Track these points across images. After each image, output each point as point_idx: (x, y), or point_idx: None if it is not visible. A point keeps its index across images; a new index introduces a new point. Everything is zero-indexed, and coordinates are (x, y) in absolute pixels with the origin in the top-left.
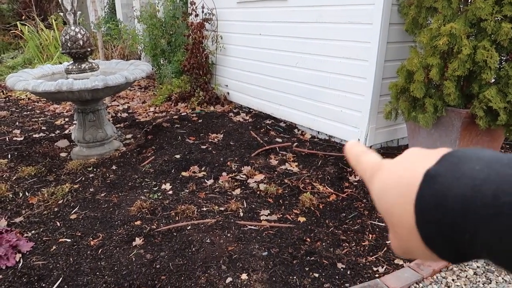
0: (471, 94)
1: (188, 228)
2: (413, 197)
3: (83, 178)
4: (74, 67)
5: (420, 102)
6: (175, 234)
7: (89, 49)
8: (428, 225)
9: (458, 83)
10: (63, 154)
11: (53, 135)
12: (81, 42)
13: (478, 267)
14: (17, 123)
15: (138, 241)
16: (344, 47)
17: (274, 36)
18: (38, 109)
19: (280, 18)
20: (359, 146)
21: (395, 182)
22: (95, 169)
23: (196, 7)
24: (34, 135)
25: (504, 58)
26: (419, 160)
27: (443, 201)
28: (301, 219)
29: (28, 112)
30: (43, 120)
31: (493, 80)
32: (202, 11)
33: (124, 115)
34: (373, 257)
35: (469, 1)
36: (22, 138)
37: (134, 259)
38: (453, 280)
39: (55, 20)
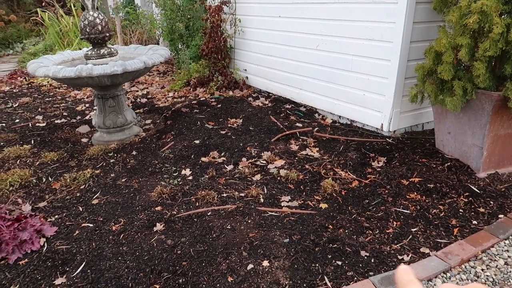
0: (503, 76)
1: (208, 214)
2: None
3: (104, 164)
4: (93, 52)
5: (448, 85)
6: (195, 220)
7: (107, 34)
8: None
9: (489, 64)
10: (84, 140)
11: (74, 120)
12: (99, 27)
13: (509, 256)
14: (39, 109)
15: (159, 226)
16: (367, 28)
17: (294, 18)
18: (60, 95)
19: None
20: (408, 275)
21: None
22: (115, 155)
23: None
24: (56, 121)
25: None
26: None
27: None
28: (323, 205)
29: (50, 98)
30: (64, 106)
31: None
32: None
33: (143, 100)
34: (397, 245)
35: None
36: (44, 124)
37: (155, 244)
38: (482, 270)
39: (74, 6)
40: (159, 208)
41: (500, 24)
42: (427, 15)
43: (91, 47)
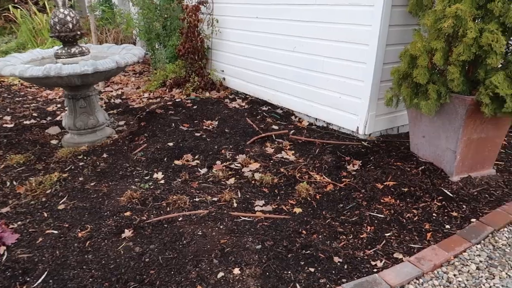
0: (476, 80)
1: (179, 219)
2: None
3: (73, 167)
4: (63, 51)
5: (423, 88)
6: (165, 225)
7: (78, 33)
8: None
9: (463, 68)
10: (53, 142)
11: (44, 121)
12: (70, 25)
13: (481, 261)
14: (8, 109)
15: (127, 233)
16: (343, 30)
17: (272, 19)
18: (31, 95)
19: (277, 0)
20: None
21: None
22: (85, 157)
23: None
24: (24, 122)
25: None
26: None
27: None
28: (297, 210)
29: (20, 98)
30: (35, 107)
31: (500, 65)
32: None
33: (118, 101)
34: (371, 251)
35: None
36: (12, 125)
37: (122, 252)
38: (454, 275)
39: (47, 4)
40: (128, 213)
41: (474, 28)
42: (403, 19)
43: (62, 46)
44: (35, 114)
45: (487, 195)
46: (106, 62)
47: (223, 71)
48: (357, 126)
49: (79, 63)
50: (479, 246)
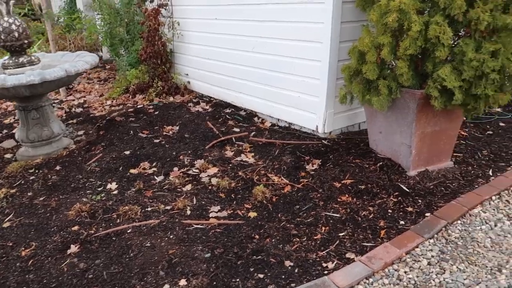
0: (425, 74)
1: (128, 231)
2: None
3: (23, 181)
4: (11, 61)
5: (374, 84)
6: (114, 238)
7: (26, 41)
8: None
9: (411, 62)
10: (8, 156)
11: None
12: (16, 34)
13: (432, 256)
14: None
15: (73, 248)
16: (298, 29)
17: (230, 20)
18: None
19: (234, 0)
20: None
21: None
22: (37, 171)
23: None
24: None
25: (462, 34)
26: None
27: None
28: (252, 214)
29: None
30: None
31: (448, 58)
32: None
33: (79, 110)
34: (324, 252)
35: None
36: None
37: (65, 269)
38: (405, 272)
39: None
40: (76, 227)
41: (418, 22)
42: (355, 15)
43: (9, 56)
44: None
45: (443, 188)
46: (55, 71)
47: (187, 74)
48: (316, 124)
49: (25, 73)
50: (432, 240)
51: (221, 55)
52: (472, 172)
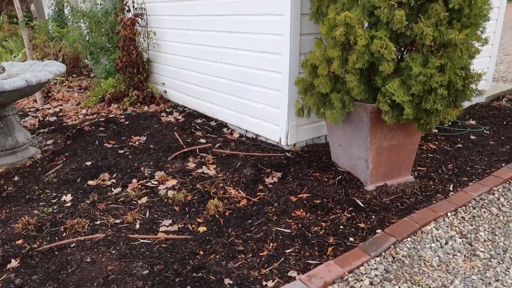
0: (377, 88)
1: (72, 245)
2: None
3: None
4: None
5: (328, 98)
6: (56, 253)
7: None
8: None
9: (362, 76)
10: None
11: None
12: None
13: (376, 275)
14: None
15: (13, 263)
16: (261, 40)
17: (200, 30)
18: None
19: (202, 11)
20: None
21: None
22: None
23: (127, 2)
24: None
25: (408, 48)
26: None
27: None
28: (202, 228)
29: None
30: None
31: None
32: (133, 6)
33: (53, 119)
34: (267, 269)
35: None
36: None
37: (0, 285)
38: None
39: None
40: (20, 241)
41: (364, 36)
42: (314, 27)
43: None
44: None
45: (399, 204)
46: (14, 81)
47: (164, 84)
48: (279, 136)
49: None
50: (378, 259)
51: (194, 65)
52: (433, 187)
